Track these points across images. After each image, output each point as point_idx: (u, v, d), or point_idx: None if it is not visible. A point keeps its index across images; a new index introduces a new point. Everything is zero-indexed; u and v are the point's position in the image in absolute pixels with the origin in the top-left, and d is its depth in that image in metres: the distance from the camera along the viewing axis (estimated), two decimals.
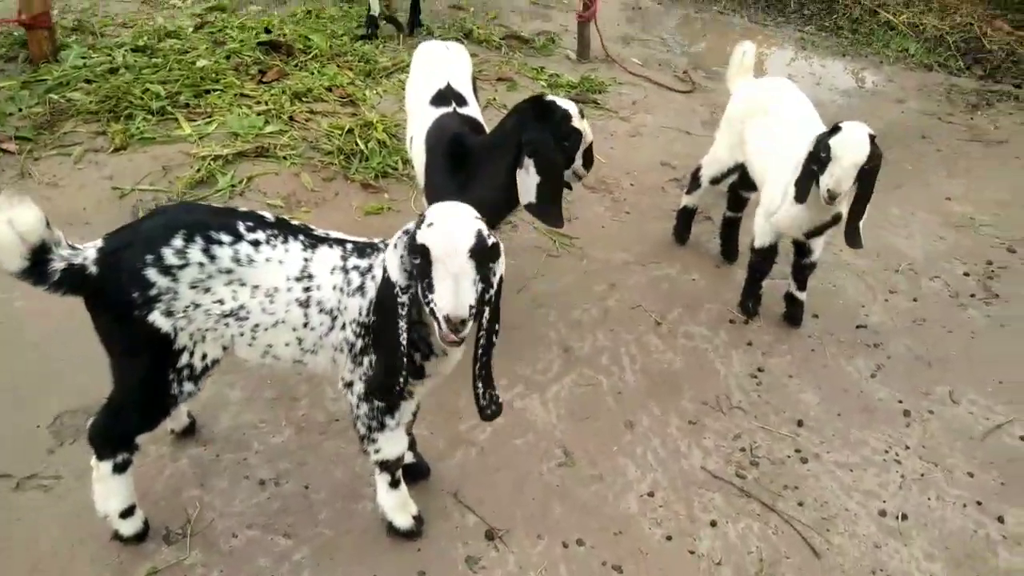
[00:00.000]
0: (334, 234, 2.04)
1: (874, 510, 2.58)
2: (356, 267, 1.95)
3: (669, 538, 2.41)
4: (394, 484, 2.24)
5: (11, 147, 3.92)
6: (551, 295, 3.43)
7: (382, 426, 2.08)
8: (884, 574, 2.37)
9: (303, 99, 4.69)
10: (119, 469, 2.06)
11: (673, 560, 2.36)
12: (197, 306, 1.87)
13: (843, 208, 2.89)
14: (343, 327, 1.96)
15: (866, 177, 2.76)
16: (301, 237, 1.95)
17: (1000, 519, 2.58)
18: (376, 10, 5.71)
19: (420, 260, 1.72)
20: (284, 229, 1.95)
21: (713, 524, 2.47)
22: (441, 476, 2.53)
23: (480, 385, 1.93)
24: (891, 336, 3.42)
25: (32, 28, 4.63)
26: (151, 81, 4.56)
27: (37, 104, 4.28)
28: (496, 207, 2.70)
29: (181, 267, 1.83)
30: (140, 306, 1.82)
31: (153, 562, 2.17)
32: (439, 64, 2.98)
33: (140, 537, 2.19)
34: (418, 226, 1.74)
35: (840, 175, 2.69)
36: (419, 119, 2.80)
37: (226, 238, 1.86)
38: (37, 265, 1.79)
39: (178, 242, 1.82)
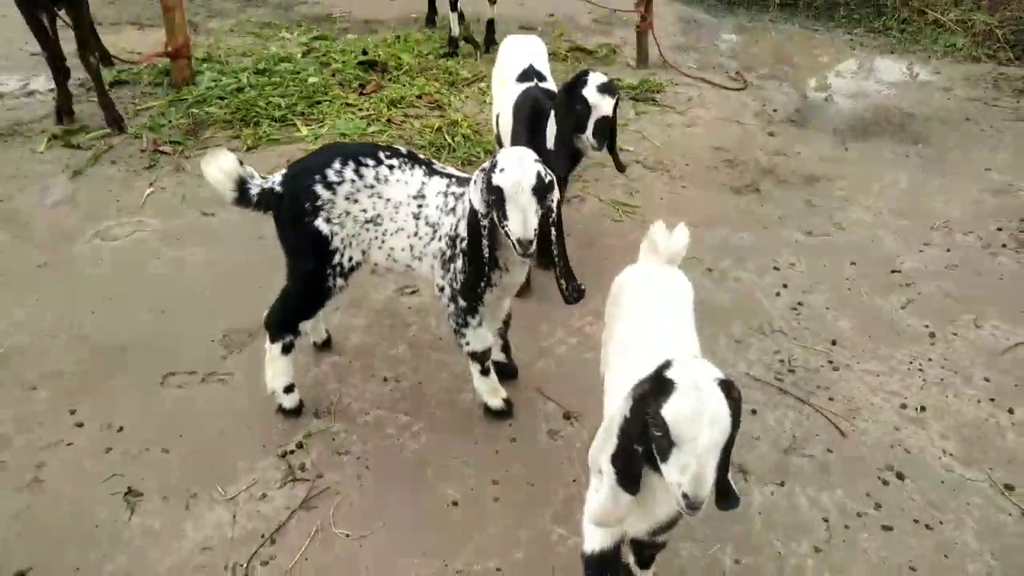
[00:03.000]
0: (448, 169, 2.67)
1: (896, 404, 3.01)
2: (454, 193, 2.55)
3: None
4: (484, 372, 2.82)
5: (167, 149, 4.80)
6: (617, 250, 3.98)
7: (466, 323, 2.66)
8: (902, 448, 2.80)
9: (398, 105, 5.45)
10: (286, 350, 2.73)
11: None
12: (348, 214, 2.53)
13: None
14: (440, 239, 2.57)
15: (728, 445, 1.62)
16: (424, 167, 2.60)
17: (1011, 411, 2.97)
18: (456, 32, 6.49)
19: (495, 197, 2.29)
20: (411, 159, 2.60)
21: (754, 412, 2.95)
22: (528, 377, 3.10)
23: (563, 281, 2.49)
24: (923, 278, 3.81)
25: (175, 58, 5.58)
26: (272, 96, 5.42)
27: (182, 117, 5.17)
28: (559, 159, 3.24)
29: (339, 183, 2.50)
30: (310, 213, 2.50)
31: (307, 429, 2.82)
32: (522, 51, 3.65)
33: (297, 411, 2.85)
34: (492, 170, 2.31)
35: (700, 469, 1.53)
36: (507, 94, 3.46)
37: (370, 162, 2.53)
38: (243, 194, 2.51)
39: (337, 165, 2.50)
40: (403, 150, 2.65)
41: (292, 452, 2.72)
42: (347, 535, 2.43)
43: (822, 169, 4.92)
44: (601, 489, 1.82)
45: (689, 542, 2.42)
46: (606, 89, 3.04)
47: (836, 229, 4.26)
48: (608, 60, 6.63)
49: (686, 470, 1.53)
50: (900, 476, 2.70)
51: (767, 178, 4.81)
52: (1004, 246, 4.08)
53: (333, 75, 5.84)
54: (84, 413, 2.84)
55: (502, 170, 2.28)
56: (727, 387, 1.58)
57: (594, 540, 1.96)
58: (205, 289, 3.56)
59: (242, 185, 2.51)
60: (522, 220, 2.25)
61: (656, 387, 1.59)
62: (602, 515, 1.82)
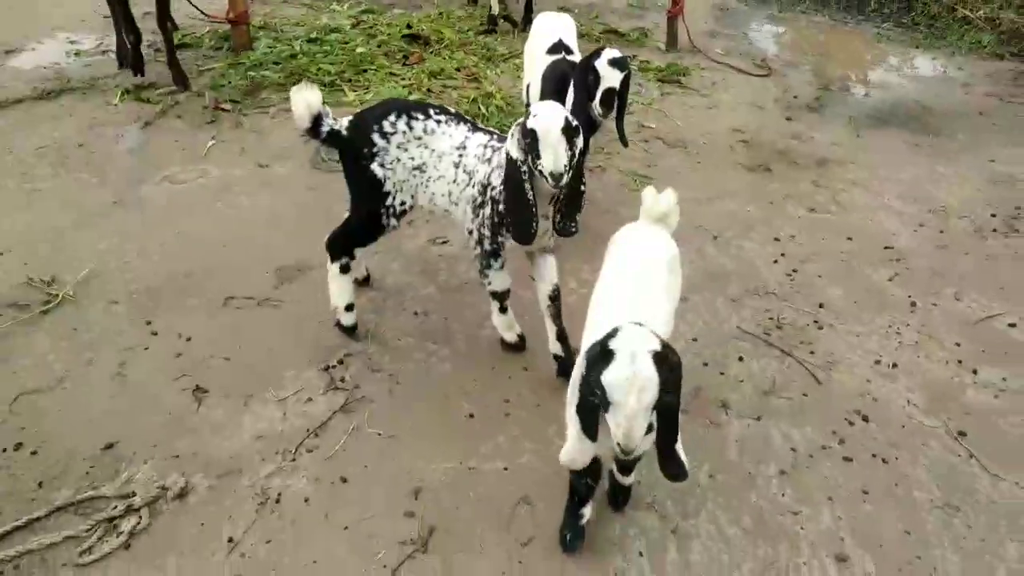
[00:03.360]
0: (491, 130, 3.05)
1: (871, 360, 3.35)
2: (492, 146, 2.93)
3: (706, 364, 3.28)
4: (502, 310, 3.21)
5: (227, 107, 5.26)
6: (631, 217, 4.32)
7: (489, 265, 3.03)
8: (871, 397, 3.15)
9: (438, 77, 5.84)
10: (344, 270, 3.16)
11: (707, 376, 3.22)
12: (398, 160, 2.93)
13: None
14: (473, 186, 2.94)
15: (665, 408, 1.96)
16: (469, 124, 2.98)
17: (975, 371, 3.29)
18: (495, 10, 6.86)
19: (530, 140, 2.65)
20: (458, 117, 2.99)
21: (740, 359, 3.31)
22: (541, 319, 3.47)
23: (559, 215, 2.79)
24: (913, 255, 4.12)
25: (236, 24, 6.02)
26: (322, 63, 5.85)
27: (241, 79, 5.62)
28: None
29: (392, 133, 2.90)
30: (368, 158, 2.91)
31: (347, 349, 3.25)
32: (552, 26, 4.01)
33: (353, 329, 3.27)
34: (527, 118, 2.68)
35: (629, 426, 1.88)
36: (537, 66, 3.83)
37: (420, 116, 2.92)
38: (315, 127, 2.91)
39: (392, 117, 2.91)
40: (452, 110, 3.04)
41: (334, 367, 3.15)
42: (379, 434, 2.86)
43: (834, 154, 5.21)
44: (569, 435, 2.16)
45: None
46: (615, 63, 3.39)
47: (838, 208, 4.57)
48: (639, 43, 6.94)
49: (619, 427, 1.88)
50: (865, 419, 3.05)
51: (780, 159, 5.11)
52: (995, 230, 4.36)
53: (379, 46, 6.25)
54: (158, 325, 3.30)
55: (535, 116, 2.62)
56: (661, 358, 1.87)
57: (572, 456, 2.27)
58: (261, 229, 4.00)
59: (317, 120, 2.92)
60: (554, 157, 2.58)
61: (600, 354, 1.90)
62: (568, 459, 2.20)
